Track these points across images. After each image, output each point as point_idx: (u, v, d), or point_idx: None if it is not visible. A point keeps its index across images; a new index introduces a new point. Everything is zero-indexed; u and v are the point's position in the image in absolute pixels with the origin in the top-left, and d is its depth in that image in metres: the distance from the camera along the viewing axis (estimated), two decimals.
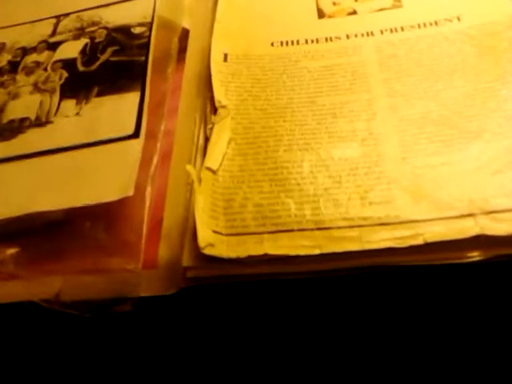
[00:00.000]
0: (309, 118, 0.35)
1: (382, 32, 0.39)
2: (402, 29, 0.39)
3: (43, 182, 0.34)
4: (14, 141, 0.38)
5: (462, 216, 0.28)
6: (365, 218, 0.28)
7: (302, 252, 0.27)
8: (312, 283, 0.28)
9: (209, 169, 0.32)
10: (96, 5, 0.47)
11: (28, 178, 0.35)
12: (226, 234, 0.29)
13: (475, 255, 0.27)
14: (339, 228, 0.28)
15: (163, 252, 0.30)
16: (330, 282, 0.27)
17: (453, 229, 0.27)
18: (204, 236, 0.28)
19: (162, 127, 0.37)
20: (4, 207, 0.33)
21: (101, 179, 0.33)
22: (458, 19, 0.38)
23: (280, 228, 0.29)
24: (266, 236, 0.28)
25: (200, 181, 0.31)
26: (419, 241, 0.27)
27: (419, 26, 0.38)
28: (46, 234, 0.32)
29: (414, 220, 0.28)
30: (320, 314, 0.28)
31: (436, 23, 0.38)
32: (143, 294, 0.28)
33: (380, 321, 0.28)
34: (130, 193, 0.31)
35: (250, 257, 0.28)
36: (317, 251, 0.27)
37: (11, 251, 0.31)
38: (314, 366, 0.29)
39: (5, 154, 0.37)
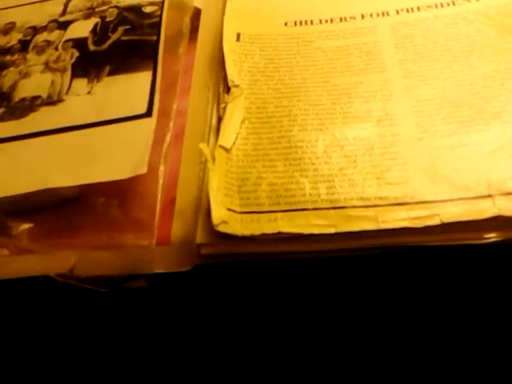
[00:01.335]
0: (323, 97, 0.34)
1: (397, 12, 0.38)
2: (419, 9, 0.38)
3: (56, 159, 0.34)
4: (25, 119, 0.38)
5: (480, 197, 0.27)
6: (381, 198, 0.28)
7: (317, 231, 0.27)
8: (326, 262, 0.27)
9: (222, 147, 0.32)
10: None
11: (41, 156, 0.35)
12: (240, 212, 0.29)
13: (493, 236, 0.26)
14: (355, 207, 0.28)
15: (177, 229, 0.30)
16: (344, 261, 0.27)
17: (470, 210, 0.27)
18: (218, 214, 0.28)
19: (175, 106, 0.37)
20: (17, 184, 0.33)
21: (114, 157, 0.33)
22: None
23: (294, 207, 0.29)
24: (279, 214, 0.28)
25: (214, 159, 0.31)
26: (436, 221, 0.27)
27: (436, 5, 0.38)
28: (59, 210, 0.32)
29: (431, 200, 0.28)
30: (333, 293, 0.28)
31: (453, 3, 0.37)
32: (157, 271, 0.28)
33: (395, 301, 0.28)
34: (143, 171, 0.31)
35: (263, 235, 0.27)
36: (332, 230, 0.27)
37: (25, 226, 0.31)
38: (329, 346, 0.29)
39: (17, 131, 0.37)
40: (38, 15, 0.47)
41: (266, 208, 0.29)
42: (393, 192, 0.28)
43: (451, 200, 0.27)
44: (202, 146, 0.31)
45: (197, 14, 0.43)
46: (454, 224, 0.26)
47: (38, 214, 0.31)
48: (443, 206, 0.27)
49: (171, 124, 0.36)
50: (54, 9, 0.47)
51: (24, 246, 0.30)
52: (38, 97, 0.40)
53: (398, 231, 0.27)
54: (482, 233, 0.26)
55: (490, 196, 0.27)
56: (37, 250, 0.30)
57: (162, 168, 0.33)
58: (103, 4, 0.46)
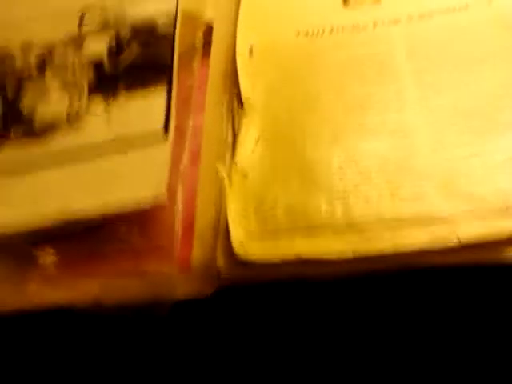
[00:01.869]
0: (337, 110, 0.34)
1: (409, 19, 0.38)
2: (431, 15, 0.37)
3: (78, 186, 0.35)
4: (45, 141, 0.39)
5: (498, 212, 0.27)
6: (397, 216, 0.28)
7: (335, 256, 0.27)
8: (344, 284, 0.28)
9: (238, 167, 0.32)
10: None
11: (63, 183, 0.35)
12: (258, 234, 0.29)
13: None
14: (371, 228, 0.28)
15: (197, 252, 0.31)
16: (361, 282, 0.27)
17: (489, 227, 0.27)
18: (237, 237, 0.29)
19: (191, 123, 0.38)
20: (41, 213, 0.33)
21: (134, 183, 0.33)
22: (490, 2, 0.37)
23: (312, 227, 0.29)
24: (298, 236, 0.29)
25: (230, 180, 0.31)
26: (454, 240, 0.27)
27: (449, 10, 0.37)
28: (83, 238, 0.33)
29: (448, 217, 0.28)
30: (352, 314, 0.29)
31: (466, 7, 0.37)
32: (179, 297, 0.29)
33: (415, 320, 0.28)
34: (163, 198, 0.31)
35: (282, 258, 0.28)
36: (350, 255, 0.27)
37: (50, 256, 0.32)
38: (353, 367, 0.29)
39: (37, 155, 0.38)
40: (54, 33, 0.47)
41: (284, 230, 0.29)
42: (409, 209, 0.28)
43: (469, 216, 0.27)
44: (219, 166, 0.32)
45: (209, 27, 0.43)
46: (474, 243, 0.26)
47: (62, 243, 0.32)
48: (461, 223, 0.27)
49: (187, 142, 0.36)
50: (69, 26, 0.47)
51: (50, 276, 0.31)
52: (56, 118, 0.40)
53: (416, 251, 0.27)
54: (503, 252, 0.26)
55: (507, 208, 0.27)
56: (62, 279, 0.31)
57: (179, 189, 0.34)
58: (117, 20, 0.46)
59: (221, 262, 0.29)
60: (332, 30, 0.39)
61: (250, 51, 0.39)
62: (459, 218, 0.28)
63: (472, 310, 0.28)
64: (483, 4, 0.37)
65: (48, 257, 0.32)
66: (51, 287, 0.31)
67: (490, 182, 0.29)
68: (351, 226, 0.28)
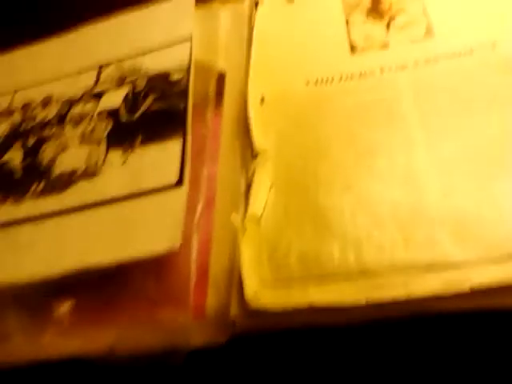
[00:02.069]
0: (347, 156, 0.35)
1: (416, 64, 0.39)
2: (437, 59, 0.38)
3: (94, 235, 0.36)
4: (65, 193, 0.40)
5: (510, 255, 0.27)
6: (410, 263, 0.28)
7: (348, 303, 0.27)
8: (359, 330, 0.28)
9: (253, 216, 0.33)
10: (135, 52, 0.49)
11: (79, 232, 0.36)
12: (272, 282, 0.30)
13: None
14: (384, 274, 0.28)
15: (211, 300, 0.31)
16: (375, 328, 0.27)
17: (502, 272, 0.27)
18: (250, 286, 0.29)
19: (205, 173, 0.38)
20: (56, 263, 0.34)
21: (149, 231, 0.34)
22: (494, 46, 0.38)
23: (325, 275, 0.29)
24: (311, 284, 0.29)
25: (245, 229, 0.32)
26: (467, 286, 0.26)
27: (454, 55, 0.38)
28: (98, 286, 0.33)
29: (461, 262, 0.28)
30: (366, 361, 0.28)
31: (471, 52, 0.38)
32: (193, 345, 0.29)
33: (428, 367, 0.28)
34: (177, 246, 0.32)
35: (295, 307, 0.28)
36: (363, 301, 0.27)
37: (66, 306, 0.32)
38: None
39: (57, 207, 0.39)
40: (73, 88, 0.49)
41: (297, 277, 0.29)
42: (421, 255, 0.29)
43: (482, 262, 0.27)
44: (233, 217, 0.32)
45: (222, 76, 0.45)
46: (487, 288, 0.26)
47: (77, 292, 0.33)
48: (474, 269, 0.27)
49: (202, 192, 0.37)
50: (87, 80, 0.49)
51: (65, 326, 0.31)
52: (75, 170, 0.42)
53: (429, 297, 0.27)
54: None
55: None
56: (77, 329, 0.31)
57: (195, 237, 0.34)
58: (133, 73, 0.48)
59: (235, 310, 0.29)
60: (341, 77, 0.40)
61: (262, 100, 0.40)
62: (472, 263, 0.27)
63: (485, 356, 0.27)
64: (487, 49, 0.37)
65: (63, 308, 0.32)
66: (66, 337, 0.31)
67: (501, 227, 0.29)
68: (364, 273, 0.28)
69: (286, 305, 0.28)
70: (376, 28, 0.42)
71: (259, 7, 0.47)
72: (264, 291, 0.29)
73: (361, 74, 0.40)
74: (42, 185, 0.42)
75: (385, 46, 0.41)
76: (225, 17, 0.49)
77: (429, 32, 0.40)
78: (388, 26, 0.42)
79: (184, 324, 0.30)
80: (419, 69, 0.38)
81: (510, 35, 0.38)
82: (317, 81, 0.40)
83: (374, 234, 0.30)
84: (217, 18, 0.49)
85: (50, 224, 0.38)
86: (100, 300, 0.32)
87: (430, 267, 0.28)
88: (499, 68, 0.36)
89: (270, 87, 0.41)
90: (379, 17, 0.43)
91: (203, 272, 0.32)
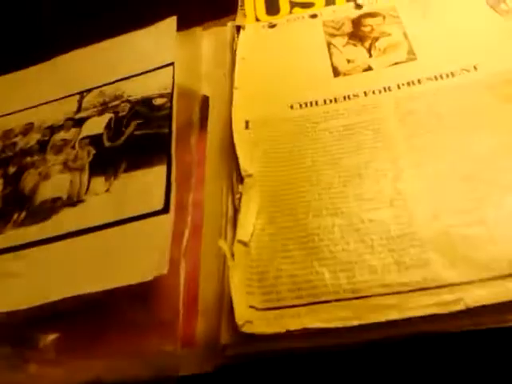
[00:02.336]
0: (335, 180, 0.35)
1: (399, 86, 0.39)
2: (419, 81, 0.39)
3: (79, 263, 0.35)
4: (47, 222, 0.39)
5: (503, 276, 0.27)
6: (402, 284, 0.28)
7: (341, 324, 0.27)
8: (352, 353, 0.27)
9: (241, 242, 0.32)
10: (117, 78, 0.49)
11: (63, 261, 0.36)
12: (263, 309, 0.29)
13: None
14: (377, 296, 0.28)
15: (201, 328, 0.30)
16: (369, 350, 0.27)
17: (494, 291, 0.26)
18: (241, 313, 0.28)
19: (191, 199, 0.38)
20: (41, 293, 0.33)
21: (135, 258, 0.34)
22: (475, 68, 0.38)
23: (316, 299, 0.29)
24: (303, 309, 0.28)
25: (233, 255, 0.31)
26: (460, 306, 0.26)
27: (436, 77, 0.39)
28: (84, 316, 0.32)
29: (453, 283, 0.27)
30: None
31: (453, 74, 0.38)
32: (182, 373, 0.28)
33: None
34: (164, 271, 0.31)
35: (288, 332, 0.27)
36: (355, 322, 0.27)
37: (51, 337, 0.31)
38: None
39: (40, 236, 0.38)
40: (55, 114, 0.49)
41: (289, 302, 0.29)
42: (413, 276, 0.28)
43: (473, 281, 0.27)
44: (221, 243, 0.32)
45: (205, 101, 0.45)
46: (480, 307, 0.26)
47: (63, 322, 0.32)
48: (466, 289, 0.27)
49: (189, 218, 0.37)
50: (69, 107, 0.49)
51: (50, 358, 0.30)
52: (58, 198, 0.41)
53: (423, 318, 0.27)
54: (510, 315, 0.26)
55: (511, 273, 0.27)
56: (63, 361, 0.30)
57: (182, 264, 0.34)
58: (116, 99, 0.48)
59: (225, 336, 0.28)
60: (325, 100, 0.40)
61: (247, 124, 0.40)
62: (464, 283, 0.27)
63: (481, 374, 0.27)
64: (469, 71, 0.38)
65: (48, 338, 0.31)
66: (51, 368, 0.30)
67: (494, 249, 0.28)
68: (356, 293, 0.28)
69: (278, 329, 0.27)
70: (358, 51, 0.43)
71: (241, 32, 0.47)
72: (255, 316, 0.28)
73: (345, 97, 0.40)
74: (23, 214, 0.41)
75: (367, 68, 0.41)
76: (207, 42, 0.49)
77: (411, 55, 0.41)
78: (370, 49, 0.43)
79: (173, 353, 0.29)
80: (402, 91, 0.39)
81: (490, 58, 0.38)
82: (301, 104, 0.40)
83: (365, 256, 0.30)
84: (199, 42, 0.49)
85: (33, 253, 0.37)
86: (86, 330, 0.32)
87: (423, 288, 0.28)
88: (481, 90, 0.36)
89: (254, 111, 0.41)
90: (361, 40, 0.44)
91: (192, 299, 0.32)
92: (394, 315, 0.27)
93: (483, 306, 0.26)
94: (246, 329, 0.28)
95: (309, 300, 0.29)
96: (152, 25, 0.51)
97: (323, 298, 0.29)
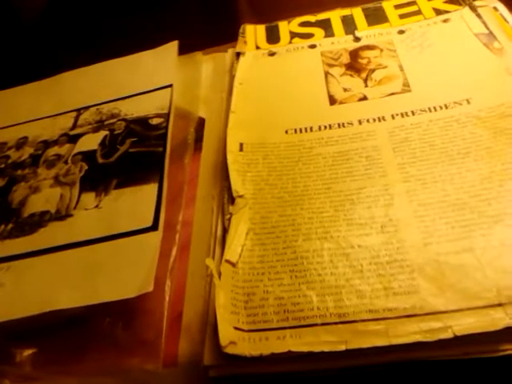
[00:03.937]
0: (326, 205, 0.35)
1: (393, 116, 0.39)
2: (413, 113, 0.39)
3: (62, 277, 0.34)
4: (35, 235, 0.39)
5: (491, 306, 0.27)
6: (390, 310, 0.28)
7: (327, 348, 0.27)
8: (337, 380, 0.27)
9: (228, 261, 0.32)
10: (115, 97, 0.49)
11: (47, 274, 0.35)
12: (248, 331, 0.28)
13: (509, 348, 0.26)
14: (364, 321, 0.27)
15: (183, 349, 0.30)
16: (355, 378, 0.26)
17: (482, 320, 0.26)
18: (225, 334, 0.28)
19: (180, 217, 0.38)
20: (21, 306, 0.32)
21: (120, 274, 0.33)
22: (468, 102, 0.39)
23: (303, 323, 0.28)
24: (288, 331, 0.28)
25: (220, 275, 0.31)
26: (448, 334, 0.26)
27: (429, 109, 0.39)
28: (64, 332, 0.32)
29: (441, 311, 0.27)
30: None
31: (446, 106, 0.39)
32: None
33: None
34: (149, 289, 0.31)
35: (273, 354, 0.27)
36: (342, 347, 0.26)
37: (28, 352, 0.31)
38: None
39: (26, 248, 0.38)
40: (50, 129, 0.49)
41: (274, 325, 0.28)
42: (402, 303, 0.28)
43: (462, 310, 0.27)
44: (208, 261, 0.31)
45: (201, 123, 0.45)
46: (468, 336, 0.26)
47: (42, 337, 0.31)
48: (454, 317, 0.27)
49: (177, 236, 0.36)
50: (64, 123, 0.49)
51: (27, 375, 0.30)
52: (46, 212, 0.41)
53: (410, 345, 0.26)
54: (498, 345, 0.26)
55: (500, 305, 0.27)
56: (40, 378, 0.29)
57: (168, 282, 0.33)
58: (112, 117, 0.48)
59: (208, 358, 0.28)
60: (320, 127, 0.40)
61: (241, 146, 0.40)
62: (453, 311, 0.27)
63: None
64: (462, 104, 0.39)
65: (26, 354, 0.30)
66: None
67: (482, 278, 0.28)
68: (343, 318, 0.28)
69: (263, 351, 0.27)
70: (354, 81, 0.43)
71: (241, 58, 0.48)
72: (239, 337, 0.28)
73: (339, 125, 0.40)
74: (10, 226, 0.40)
75: (363, 98, 0.42)
76: (207, 66, 0.49)
77: (406, 87, 0.41)
78: (366, 79, 0.43)
79: (154, 372, 0.28)
80: (396, 121, 0.39)
81: (483, 93, 0.39)
82: (296, 130, 0.41)
83: (353, 281, 0.30)
84: (199, 66, 0.50)
85: (17, 265, 0.36)
86: (65, 346, 0.31)
87: (411, 315, 0.27)
88: (473, 122, 0.37)
89: (249, 134, 0.41)
90: (358, 71, 0.44)
91: (176, 318, 0.31)
92: (380, 341, 0.26)
93: (471, 335, 0.26)
94: (230, 350, 0.27)
95: (295, 323, 0.28)
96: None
97: (310, 322, 0.28)
